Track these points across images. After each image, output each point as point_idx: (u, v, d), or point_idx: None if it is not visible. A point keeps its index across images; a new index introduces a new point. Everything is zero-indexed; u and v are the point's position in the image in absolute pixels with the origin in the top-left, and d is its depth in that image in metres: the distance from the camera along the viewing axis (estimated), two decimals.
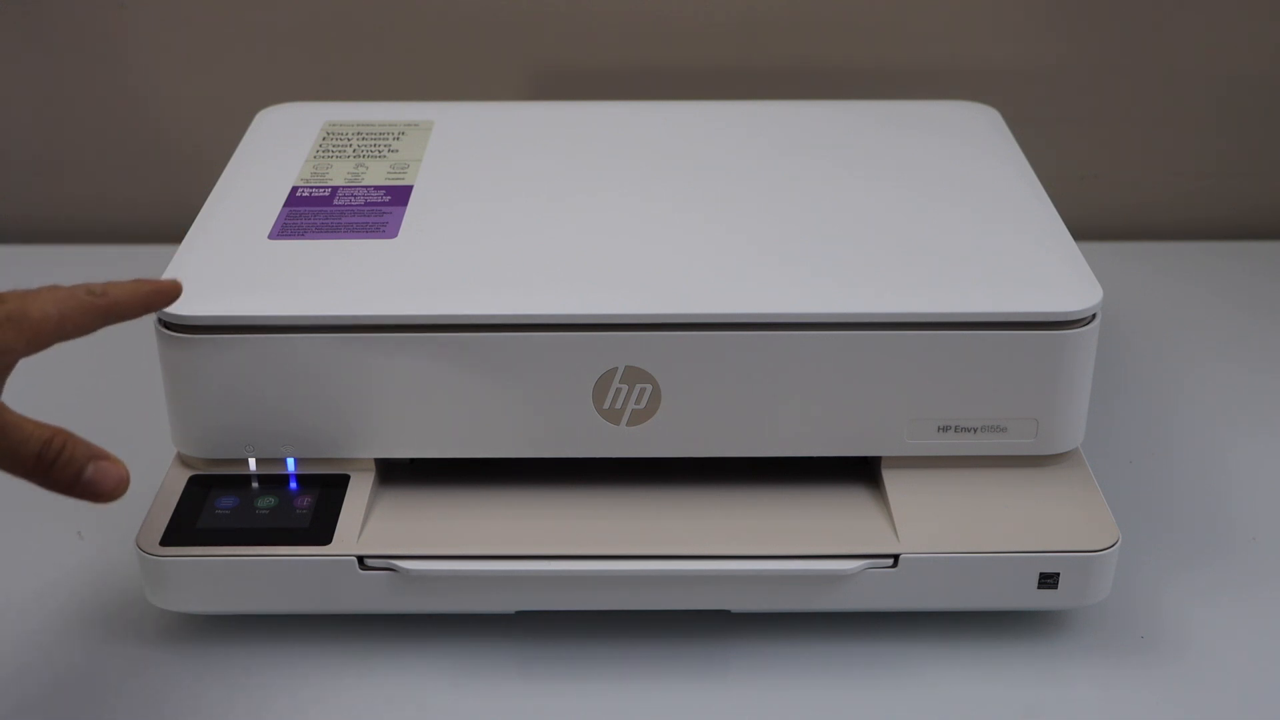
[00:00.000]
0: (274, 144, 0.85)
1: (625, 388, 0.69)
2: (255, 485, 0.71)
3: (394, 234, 0.74)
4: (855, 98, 0.96)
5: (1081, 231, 0.79)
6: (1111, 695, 0.69)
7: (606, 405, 0.70)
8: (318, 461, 0.72)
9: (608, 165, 0.82)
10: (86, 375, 0.88)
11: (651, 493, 0.72)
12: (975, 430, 0.71)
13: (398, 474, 0.73)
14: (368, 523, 0.70)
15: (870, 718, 0.68)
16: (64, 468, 0.57)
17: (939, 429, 0.71)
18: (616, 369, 0.69)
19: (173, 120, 1.12)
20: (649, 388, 0.69)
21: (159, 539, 0.69)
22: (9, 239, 1.14)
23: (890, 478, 0.72)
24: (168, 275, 0.70)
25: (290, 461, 0.72)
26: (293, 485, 0.71)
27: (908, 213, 0.76)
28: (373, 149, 0.84)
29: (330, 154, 0.84)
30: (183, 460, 0.73)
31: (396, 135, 0.86)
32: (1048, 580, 0.69)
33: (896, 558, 0.68)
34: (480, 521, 0.71)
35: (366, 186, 0.80)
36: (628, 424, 0.70)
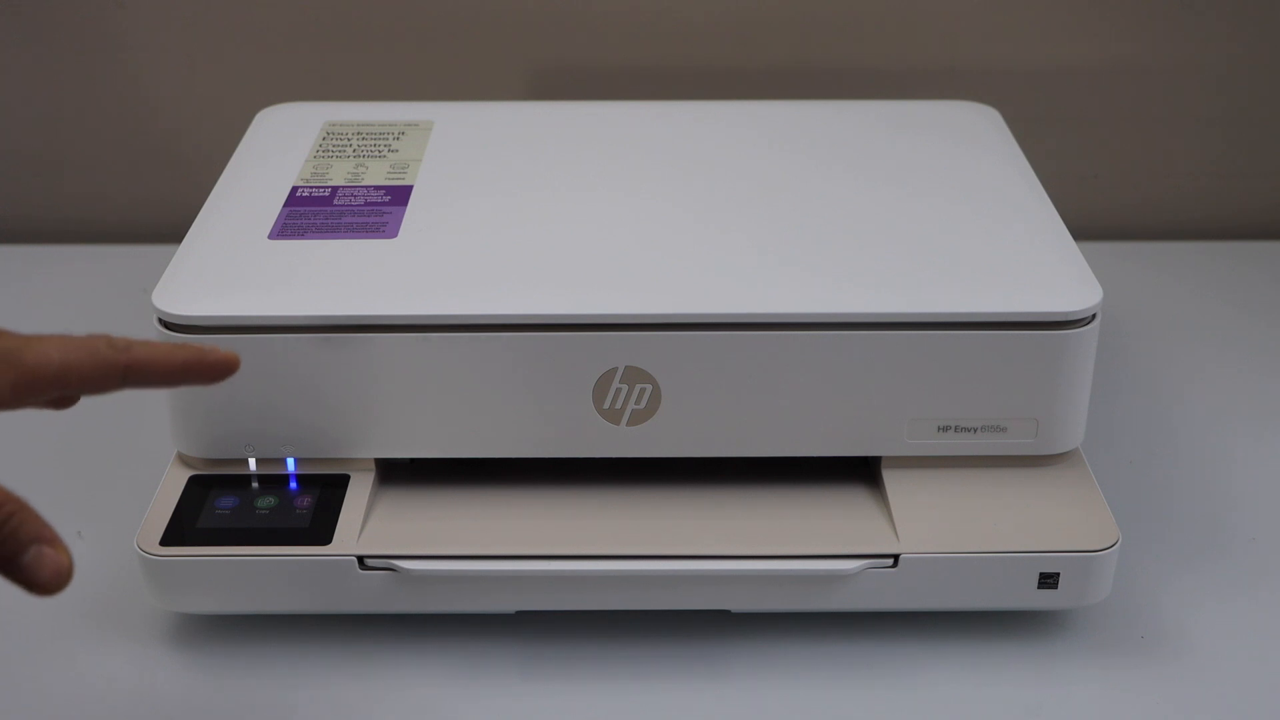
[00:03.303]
0: (274, 144, 0.85)
1: (625, 388, 0.69)
2: (255, 485, 0.71)
3: (394, 234, 0.74)
4: (855, 98, 0.96)
5: (1081, 231, 0.79)
6: (1111, 695, 0.69)
7: (606, 405, 0.70)
8: (318, 461, 0.72)
9: (608, 165, 0.82)
10: None
11: (651, 493, 0.72)
12: (975, 430, 0.71)
13: (398, 474, 0.73)
14: (368, 523, 0.70)
15: (870, 718, 0.68)
16: (4, 542, 0.49)
17: (939, 429, 0.71)
18: (616, 369, 0.69)
19: (173, 120, 1.12)
20: (649, 388, 0.69)
21: (159, 539, 0.69)
22: (9, 239, 1.14)
23: (890, 478, 0.72)
24: (168, 275, 0.70)
25: (290, 461, 0.72)
26: (293, 485, 0.71)
27: (908, 213, 0.76)
28: (373, 149, 0.84)
29: (330, 154, 0.84)
30: (183, 460, 0.73)
31: (396, 135, 0.86)
32: (1048, 580, 0.69)
33: (896, 558, 0.68)
34: (480, 521, 0.71)
35: (366, 186, 0.79)
36: (628, 424, 0.70)
